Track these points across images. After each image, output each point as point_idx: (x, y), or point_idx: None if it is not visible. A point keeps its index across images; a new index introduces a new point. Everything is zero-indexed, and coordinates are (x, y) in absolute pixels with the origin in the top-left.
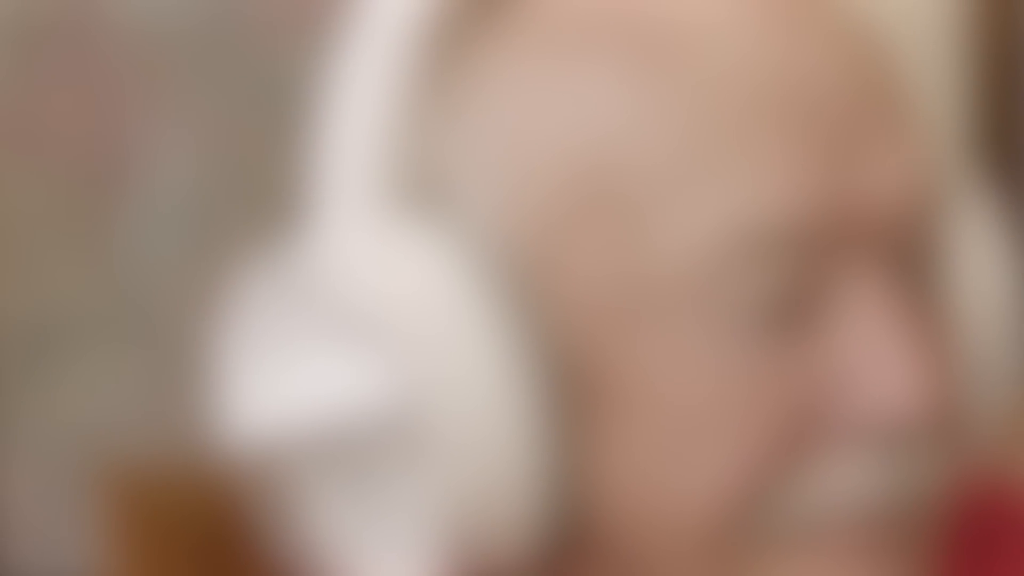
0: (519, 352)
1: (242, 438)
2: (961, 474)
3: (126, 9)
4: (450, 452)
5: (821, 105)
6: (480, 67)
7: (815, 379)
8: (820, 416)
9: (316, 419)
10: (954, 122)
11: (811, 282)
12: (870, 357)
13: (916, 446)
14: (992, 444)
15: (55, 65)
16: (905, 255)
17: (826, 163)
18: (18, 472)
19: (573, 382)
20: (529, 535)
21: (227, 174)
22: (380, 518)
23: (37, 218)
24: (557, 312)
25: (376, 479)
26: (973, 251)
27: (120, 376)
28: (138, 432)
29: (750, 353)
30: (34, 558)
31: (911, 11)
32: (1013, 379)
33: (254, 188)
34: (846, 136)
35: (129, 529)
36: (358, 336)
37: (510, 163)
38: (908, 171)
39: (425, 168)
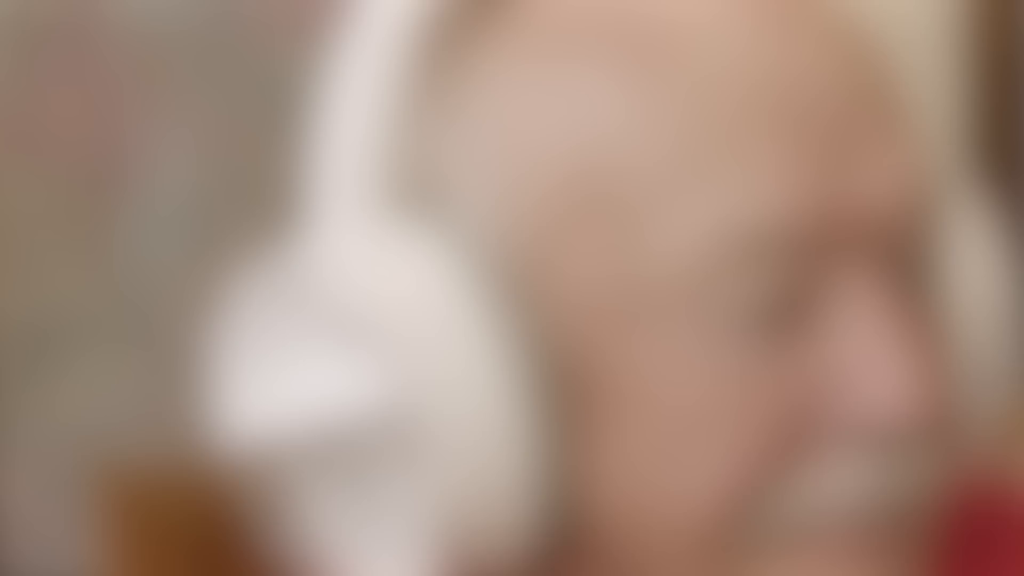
0: (514, 354)
1: (237, 439)
2: (955, 476)
3: (125, 10)
4: (444, 454)
5: (814, 107)
6: (475, 68)
7: (809, 381)
8: (814, 418)
9: (311, 421)
10: (949, 124)
11: (805, 285)
12: (864, 360)
13: (910, 448)
14: (986, 446)
15: (55, 66)
16: (899, 258)
17: (819, 166)
18: (17, 473)
19: (568, 384)
20: (523, 536)
21: (226, 176)
22: (375, 520)
23: (36, 219)
24: (552, 314)
25: (370, 481)
26: (967, 253)
27: (118, 377)
28: (136, 433)
29: (744, 355)
30: (33, 559)
31: (906, 13)
32: (1007, 381)
33: (252, 190)
34: (840, 138)
35: (125, 530)
36: (352, 338)
37: (505, 165)
38: (902, 173)
39: (420, 169)
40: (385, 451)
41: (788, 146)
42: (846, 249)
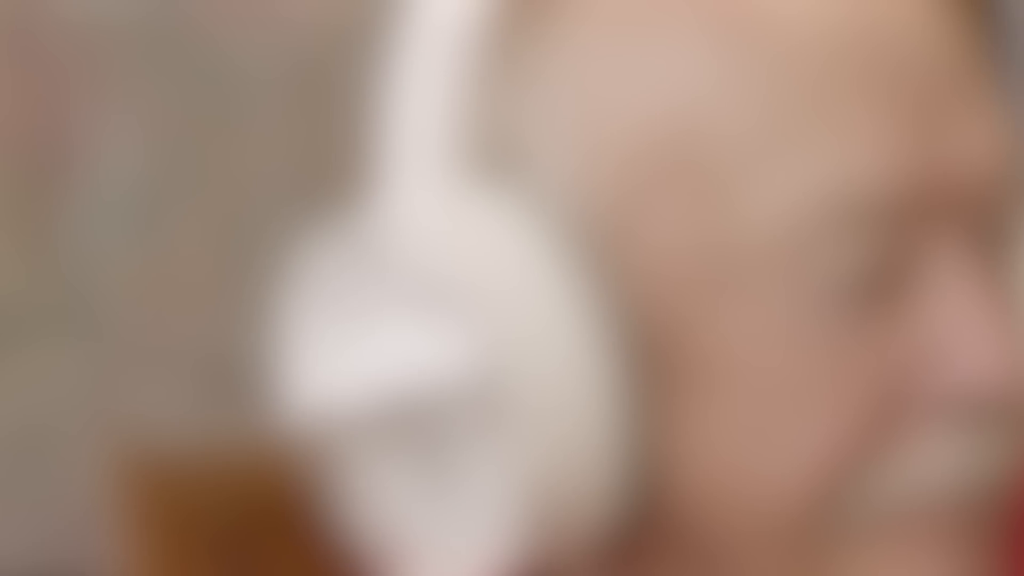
0: (597, 322)
1: (303, 417)
2: None
3: None
4: (526, 424)
5: (906, 73)
6: (554, 31)
7: (901, 353)
8: (907, 391)
9: (386, 392)
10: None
11: (897, 254)
12: (958, 331)
13: (998, 424)
14: None
15: None
16: (986, 227)
17: (913, 132)
18: None
19: (653, 354)
20: (606, 513)
21: (172, 163)
22: (451, 499)
23: None
24: (636, 281)
25: (448, 456)
26: None
27: (64, 368)
28: (145, 423)
29: (835, 326)
30: None
31: None
32: None
33: (199, 175)
34: (931, 104)
35: (147, 519)
36: (432, 304)
37: (587, 129)
38: (990, 140)
39: (501, 135)
40: (463, 422)
41: (881, 111)
42: (939, 218)
